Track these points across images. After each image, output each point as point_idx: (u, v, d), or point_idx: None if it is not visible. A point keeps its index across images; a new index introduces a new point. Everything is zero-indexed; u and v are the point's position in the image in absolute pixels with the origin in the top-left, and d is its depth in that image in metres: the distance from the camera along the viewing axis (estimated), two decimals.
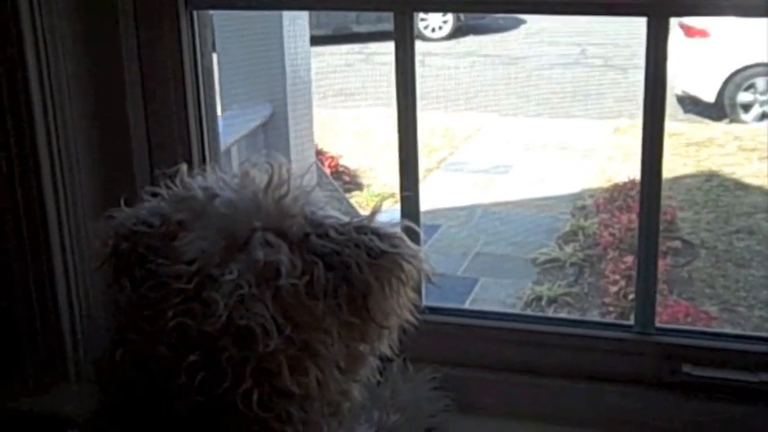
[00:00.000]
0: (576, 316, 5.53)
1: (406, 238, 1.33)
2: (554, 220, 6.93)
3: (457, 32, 10.97)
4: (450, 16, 10.87)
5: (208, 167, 1.40)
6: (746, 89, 8.38)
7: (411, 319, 1.33)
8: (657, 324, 1.81)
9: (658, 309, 1.83)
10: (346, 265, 1.26)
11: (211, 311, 1.21)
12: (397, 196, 1.85)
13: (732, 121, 8.41)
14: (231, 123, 4.99)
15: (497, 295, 5.97)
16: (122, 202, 1.37)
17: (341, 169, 7.69)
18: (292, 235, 1.27)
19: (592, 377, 1.81)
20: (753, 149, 7.59)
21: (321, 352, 1.25)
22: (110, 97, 1.89)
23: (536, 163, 7.92)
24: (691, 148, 7.84)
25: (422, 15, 10.37)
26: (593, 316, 5.69)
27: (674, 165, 7.19)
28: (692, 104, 8.68)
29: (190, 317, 1.22)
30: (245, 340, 1.20)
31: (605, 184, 7.33)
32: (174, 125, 1.90)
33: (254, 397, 1.21)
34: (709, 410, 1.74)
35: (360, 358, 1.32)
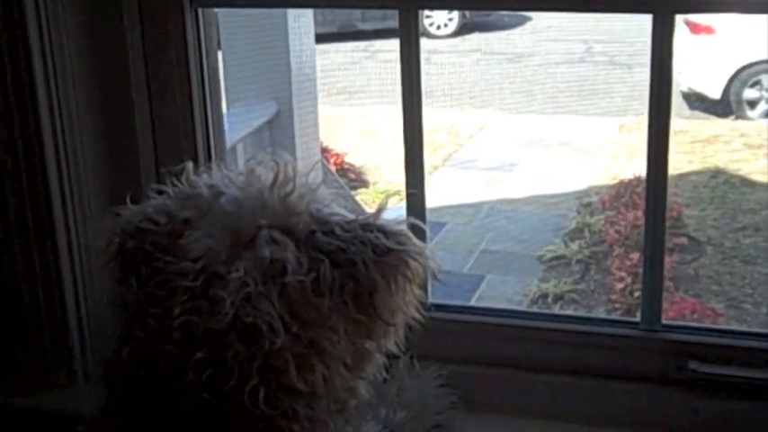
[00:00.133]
0: (582, 313, 5.52)
1: (411, 235, 1.33)
2: (560, 217, 6.93)
3: (462, 30, 10.96)
4: (455, 13, 10.86)
5: (213, 165, 1.40)
6: (752, 86, 8.36)
7: (417, 316, 1.33)
8: (664, 321, 1.80)
9: (665, 306, 1.83)
10: (352, 263, 1.26)
11: (218, 309, 1.21)
12: (403, 193, 1.85)
13: (738, 117, 8.39)
14: (236, 121, 5.00)
15: (503, 292, 5.97)
16: (128, 200, 1.37)
17: (346, 167, 7.69)
18: (298, 232, 1.27)
19: (598, 374, 1.81)
20: (759, 146, 7.57)
21: (327, 349, 1.25)
22: (115, 96, 1.89)
23: (542, 160, 7.91)
24: (696, 145, 7.83)
25: (427, 12, 10.35)
26: (600, 313, 5.69)
27: (679, 162, 7.18)
28: (697, 101, 8.66)
29: (196, 314, 1.22)
30: (252, 337, 1.21)
31: (611, 182, 7.32)
32: (180, 123, 1.90)
33: (261, 394, 1.21)
34: (715, 407, 1.74)
35: (366, 355, 1.32)
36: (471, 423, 1.78)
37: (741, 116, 8.40)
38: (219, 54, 2.44)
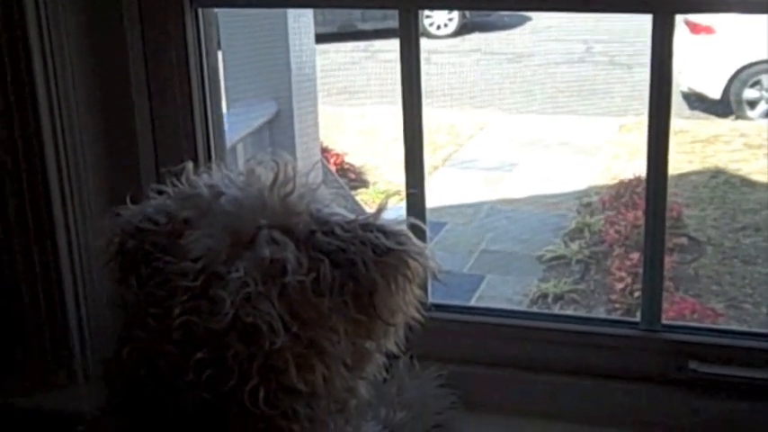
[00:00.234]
0: (582, 313, 5.52)
1: (411, 235, 1.33)
2: (560, 217, 6.93)
3: (462, 30, 10.95)
4: (455, 13, 10.86)
5: (213, 165, 1.40)
6: (752, 86, 8.36)
7: (417, 316, 1.33)
8: (664, 321, 1.80)
9: (665, 306, 1.83)
10: (352, 263, 1.26)
11: (218, 309, 1.21)
12: (403, 193, 1.85)
13: (738, 117, 8.39)
14: (236, 121, 5.00)
15: (503, 292, 5.97)
16: (128, 200, 1.37)
17: (346, 167, 7.69)
18: (298, 232, 1.27)
19: (598, 374, 1.81)
20: (759, 146, 7.56)
21: (327, 349, 1.25)
22: (115, 95, 1.90)
23: (542, 160, 7.91)
24: (697, 145, 7.83)
25: (427, 12, 10.35)
26: (600, 313, 5.69)
27: (679, 162, 7.18)
28: (697, 101, 8.66)
29: (196, 314, 1.22)
30: (252, 338, 1.21)
31: (611, 182, 7.32)
32: (180, 123, 1.90)
33: (261, 394, 1.21)
34: (715, 407, 1.74)
35: (366, 355, 1.32)
36: (471, 423, 1.78)
37: (741, 116, 8.40)
38: (219, 54, 2.44)
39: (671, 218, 6.09)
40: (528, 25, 10.97)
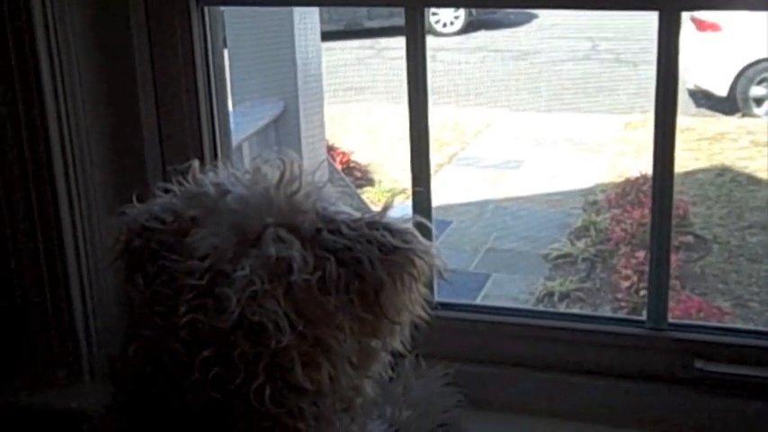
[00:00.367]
0: (588, 311, 5.52)
1: (417, 233, 1.33)
2: (566, 215, 6.92)
3: (468, 27, 10.96)
4: (461, 11, 10.86)
5: (219, 164, 1.40)
6: (759, 83, 8.35)
7: (423, 314, 1.33)
8: (670, 319, 1.80)
9: (671, 304, 1.82)
10: (358, 261, 1.26)
11: (224, 307, 1.21)
12: (409, 192, 1.85)
13: (744, 115, 8.38)
14: (242, 119, 5.00)
15: (509, 291, 5.97)
16: (135, 199, 1.37)
17: (352, 165, 7.69)
18: (304, 231, 1.27)
19: (604, 373, 1.81)
20: (766, 144, 7.54)
21: (333, 348, 1.25)
22: (122, 94, 1.90)
23: (547, 158, 7.90)
24: (703, 143, 7.82)
25: (433, 10, 10.36)
26: (606, 311, 5.68)
27: (686, 159, 7.17)
28: (704, 99, 8.65)
29: (202, 313, 1.22)
30: (258, 336, 1.21)
31: (617, 179, 7.31)
32: (186, 121, 1.90)
33: (267, 392, 1.21)
34: (721, 406, 1.74)
35: (372, 354, 1.32)
36: (477, 421, 1.78)
37: (748, 113, 8.38)
38: (225, 52, 2.44)
39: (677, 216, 6.08)
40: (534, 23, 10.97)
